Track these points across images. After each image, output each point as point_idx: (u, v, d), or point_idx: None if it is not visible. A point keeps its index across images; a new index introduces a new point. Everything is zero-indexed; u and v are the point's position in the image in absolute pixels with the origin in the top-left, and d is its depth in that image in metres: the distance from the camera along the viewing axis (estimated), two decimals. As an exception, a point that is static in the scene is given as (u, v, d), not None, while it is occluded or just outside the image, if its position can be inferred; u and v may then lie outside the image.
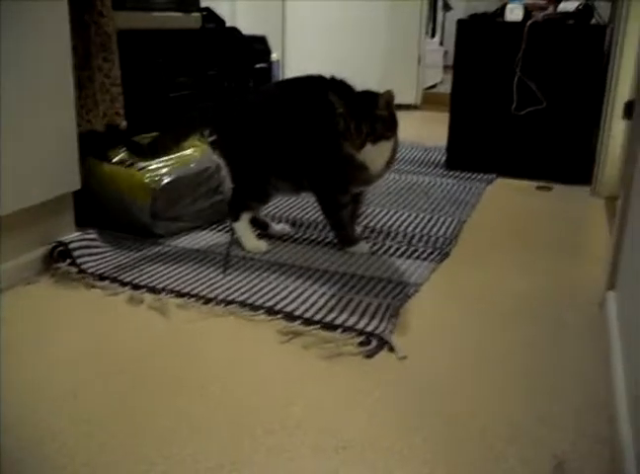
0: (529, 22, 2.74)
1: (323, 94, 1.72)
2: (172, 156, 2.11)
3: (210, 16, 2.99)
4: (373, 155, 1.73)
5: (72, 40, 1.81)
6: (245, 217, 1.94)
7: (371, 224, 2.19)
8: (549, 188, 2.74)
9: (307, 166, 1.85)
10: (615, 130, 2.53)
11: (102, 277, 1.74)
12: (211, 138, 2.70)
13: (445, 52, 6.00)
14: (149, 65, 2.46)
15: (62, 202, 1.85)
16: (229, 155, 1.98)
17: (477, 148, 2.97)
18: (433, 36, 5.56)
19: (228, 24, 3.17)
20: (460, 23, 2.92)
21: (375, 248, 1.97)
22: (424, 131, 3.97)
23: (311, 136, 1.81)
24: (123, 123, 2.10)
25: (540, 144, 2.84)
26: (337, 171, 1.80)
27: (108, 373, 1.32)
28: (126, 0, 2.36)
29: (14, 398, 1.23)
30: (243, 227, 1.94)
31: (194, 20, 2.74)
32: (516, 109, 2.81)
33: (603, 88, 2.59)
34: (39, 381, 1.29)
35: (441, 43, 6.01)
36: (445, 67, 5.89)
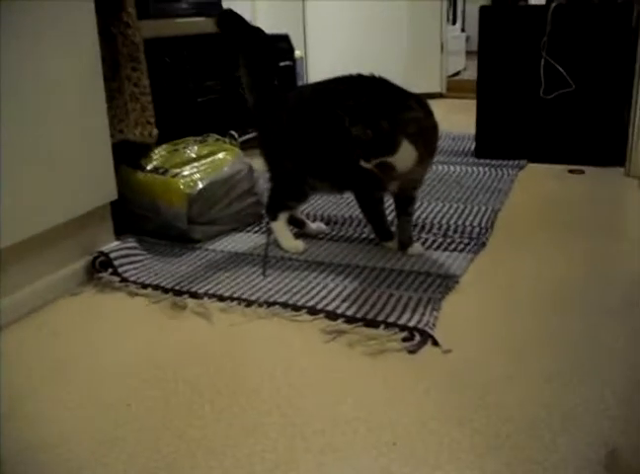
0: (554, 4, 2.71)
1: (355, 95, 1.71)
2: (204, 161, 2.15)
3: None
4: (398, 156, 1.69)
5: (100, 52, 1.83)
6: (283, 217, 1.96)
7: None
8: (582, 171, 2.72)
9: (343, 164, 1.84)
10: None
11: (144, 285, 1.76)
12: (242, 139, 2.74)
13: (468, 38, 5.96)
14: (176, 72, 2.49)
15: (100, 213, 1.88)
16: (269, 154, 1.99)
17: (506, 135, 2.95)
18: (454, 22, 5.53)
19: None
20: (483, 9, 2.90)
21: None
22: (450, 120, 3.95)
23: (344, 136, 1.80)
24: (155, 132, 2.13)
25: (570, 127, 2.82)
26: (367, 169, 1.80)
27: (157, 381, 1.34)
28: (150, 8, 2.39)
29: (68, 409, 1.26)
30: (281, 227, 1.96)
31: (217, 23, 2.76)
32: (544, 93, 2.78)
33: (633, 66, 2.56)
34: (91, 391, 1.32)
35: (463, 30, 5.97)
36: (468, 53, 5.86)
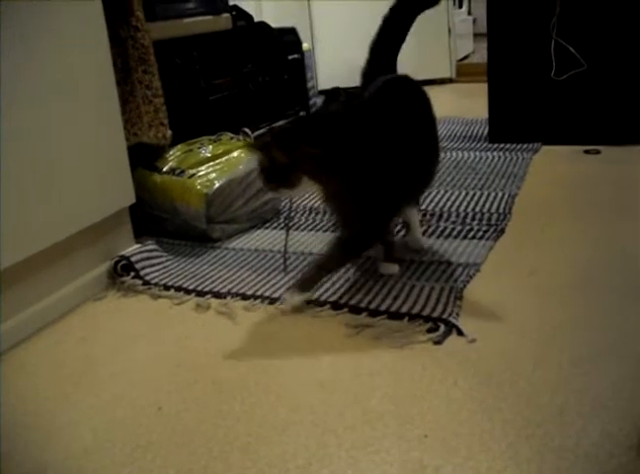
0: (562, -17, 2.69)
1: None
2: (220, 160, 2.15)
3: (239, 14, 3.01)
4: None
5: (111, 57, 1.84)
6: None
7: (423, 207, 2.18)
8: (598, 151, 2.69)
9: None
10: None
11: (166, 287, 1.78)
12: (255, 134, 2.74)
13: (474, 21, 5.92)
14: (187, 72, 2.49)
15: (120, 217, 1.90)
16: None
17: (520, 118, 2.93)
18: (460, 5, 5.49)
19: (256, 19, 3.19)
20: (491, -8, 2.87)
21: (430, 230, 1.98)
22: (462, 105, 3.94)
23: None
24: (169, 133, 2.14)
25: (584, 107, 2.79)
26: None
27: (186, 382, 1.35)
28: (157, 10, 2.39)
29: (100, 415, 1.28)
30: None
31: (224, 21, 2.76)
32: (555, 74, 2.76)
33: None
34: (122, 395, 1.33)
35: (470, 12, 5.93)
36: (475, 36, 5.81)
